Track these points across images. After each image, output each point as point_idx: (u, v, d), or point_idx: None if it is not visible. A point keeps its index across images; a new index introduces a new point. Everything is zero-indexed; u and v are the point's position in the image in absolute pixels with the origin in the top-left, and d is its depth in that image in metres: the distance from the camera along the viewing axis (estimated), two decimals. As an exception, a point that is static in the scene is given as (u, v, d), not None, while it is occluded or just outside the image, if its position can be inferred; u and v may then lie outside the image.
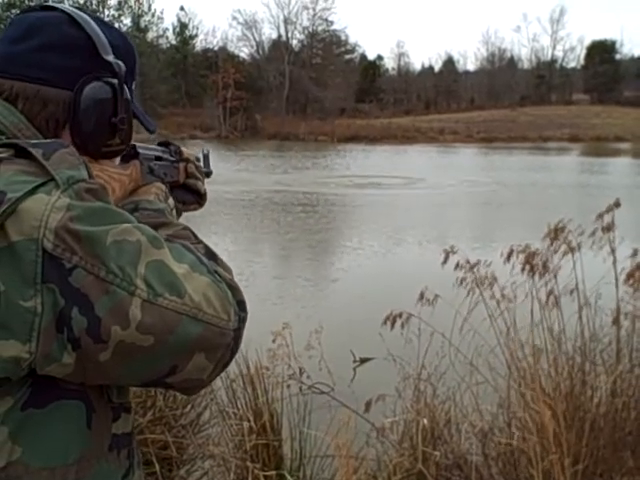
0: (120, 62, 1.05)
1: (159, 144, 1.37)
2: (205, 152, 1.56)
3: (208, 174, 1.54)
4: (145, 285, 0.83)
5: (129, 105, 1.09)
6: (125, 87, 1.07)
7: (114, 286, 0.82)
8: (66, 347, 0.82)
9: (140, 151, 1.23)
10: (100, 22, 1.07)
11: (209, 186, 1.51)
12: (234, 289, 0.93)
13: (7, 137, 0.95)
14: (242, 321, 0.91)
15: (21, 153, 0.89)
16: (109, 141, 1.07)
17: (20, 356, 0.81)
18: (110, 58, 1.04)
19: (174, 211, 1.24)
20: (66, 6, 1.06)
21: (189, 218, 1.50)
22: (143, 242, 0.86)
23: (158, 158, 1.32)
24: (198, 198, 1.45)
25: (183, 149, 1.41)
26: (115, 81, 1.05)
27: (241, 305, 0.92)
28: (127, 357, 0.84)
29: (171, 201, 1.25)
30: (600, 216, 3.47)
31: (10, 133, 0.96)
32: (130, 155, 1.20)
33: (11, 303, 0.80)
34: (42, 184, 0.84)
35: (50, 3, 1.08)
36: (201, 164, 1.50)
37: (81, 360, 0.83)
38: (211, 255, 0.98)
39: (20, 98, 0.99)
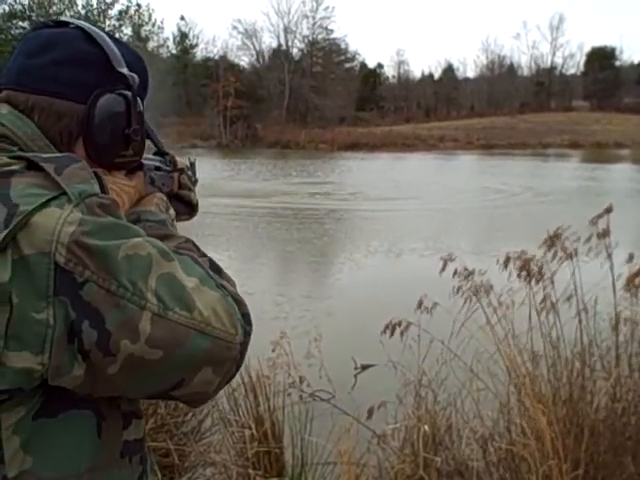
0: (134, 75, 1.07)
1: (155, 153, 1.38)
2: (192, 160, 1.56)
3: (195, 182, 1.53)
4: (156, 299, 0.85)
5: (142, 117, 1.10)
6: (138, 100, 1.09)
7: (125, 300, 0.83)
8: (77, 358, 0.83)
9: (143, 162, 1.24)
10: (114, 39, 1.09)
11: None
12: (239, 302, 0.94)
13: (20, 148, 0.97)
14: (247, 334, 0.92)
15: (33, 166, 0.90)
16: (123, 152, 1.08)
17: (32, 368, 0.82)
18: (124, 70, 1.06)
19: (175, 221, 1.25)
20: (81, 22, 1.08)
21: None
22: (154, 255, 0.87)
23: (157, 168, 1.32)
24: (190, 209, 1.45)
25: (177, 159, 1.42)
26: (129, 93, 1.07)
27: (246, 318, 0.93)
28: (135, 370, 0.85)
29: (172, 211, 1.25)
30: (594, 222, 3.47)
31: (23, 144, 0.97)
32: (134, 166, 1.20)
33: (24, 315, 0.80)
34: (54, 197, 0.85)
35: (64, 19, 1.10)
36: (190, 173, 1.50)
37: (90, 372, 0.84)
38: (216, 269, 0.98)
39: (35, 111, 1.01)
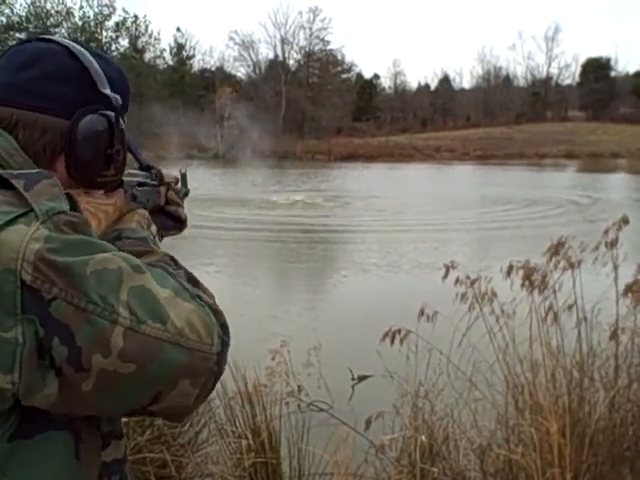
0: (117, 96, 1.07)
1: (140, 168, 1.37)
2: (183, 171, 1.55)
3: (186, 193, 1.54)
4: (128, 312, 0.84)
5: (124, 136, 1.10)
6: (121, 120, 1.09)
7: (95, 315, 0.82)
8: (49, 376, 0.82)
9: (124, 179, 1.23)
10: (97, 56, 1.09)
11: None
12: (217, 313, 0.93)
13: None
14: (225, 345, 0.91)
15: (3, 183, 0.89)
16: (104, 172, 1.08)
17: (3, 387, 0.81)
18: (108, 92, 1.06)
19: (157, 238, 1.25)
20: (64, 39, 1.08)
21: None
22: (124, 269, 0.86)
23: (140, 184, 1.32)
24: (178, 224, 1.45)
25: (164, 172, 1.41)
26: (112, 114, 1.07)
27: (224, 329, 0.92)
28: (109, 385, 0.84)
29: (154, 228, 1.25)
30: (606, 232, 3.47)
31: (2, 160, 0.97)
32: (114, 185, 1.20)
33: None
34: (22, 215, 0.85)
35: (48, 36, 1.10)
36: (179, 185, 1.50)
37: (64, 390, 0.83)
38: (193, 281, 0.98)
39: (20, 125, 1.01)
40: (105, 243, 0.91)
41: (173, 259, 1.04)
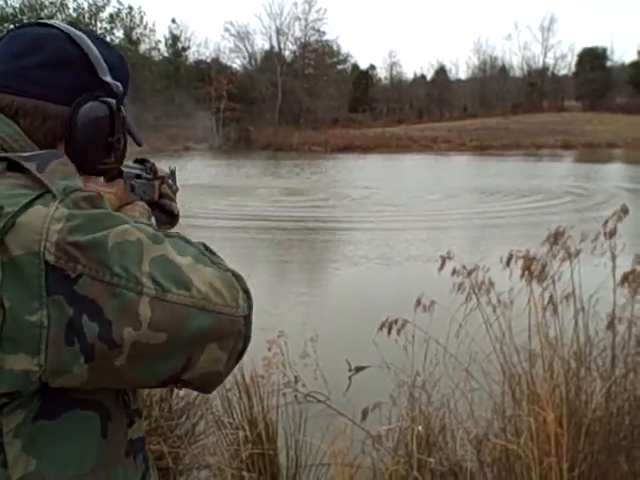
0: (118, 83, 1.07)
1: (136, 161, 1.39)
2: (172, 169, 1.57)
3: (175, 190, 1.55)
4: (152, 282, 0.84)
5: (125, 125, 1.10)
6: (122, 107, 1.09)
7: (120, 288, 0.83)
8: (78, 358, 0.82)
9: (124, 169, 1.25)
10: (97, 41, 1.09)
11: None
12: (239, 278, 0.94)
13: (2, 149, 0.96)
14: (250, 308, 0.92)
15: (14, 166, 0.90)
16: (105, 159, 1.08)
17: (29, 369, 0.81)
18: (108, 79, 1.05)
19: None
20: (63, 25, 1.07)
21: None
22: (144, 240, 0.87)
23: (138, 176, 1.33)
24: (171, 218, 1.47)
25: (157, 167, 1.42)
26: (113, 101, 1.07)
27: (247, 294, 0.93)
28: (142, 357, 0.85)
29: (153, 220, 1.27)
30: (605, 222, 3.46)
31: (6, 145, 0.97)
32: (114, 173, 1.21)
33: (17, 318, 0.80)
34: (39, 196, 0.85)
35: (46, 20, 1.09)
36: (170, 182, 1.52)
37: (95, 368, 0.84)
38: (210, 251, 0.98)
39: (20, 113, 1.01)
40: (122, 215, 0.91)
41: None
